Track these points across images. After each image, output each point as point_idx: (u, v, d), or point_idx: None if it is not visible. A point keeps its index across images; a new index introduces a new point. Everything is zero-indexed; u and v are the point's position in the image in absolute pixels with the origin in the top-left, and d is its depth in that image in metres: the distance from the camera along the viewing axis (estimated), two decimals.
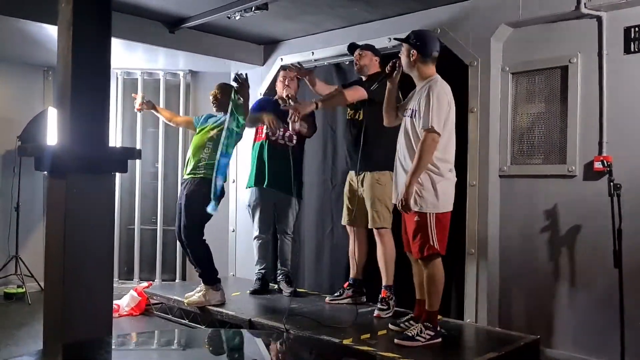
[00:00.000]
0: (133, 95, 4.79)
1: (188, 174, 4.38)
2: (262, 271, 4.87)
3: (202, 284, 4.40)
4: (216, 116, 4.52)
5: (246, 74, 4.19)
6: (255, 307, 4.38)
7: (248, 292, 4.77)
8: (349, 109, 4.29)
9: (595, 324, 3.56)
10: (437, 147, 3.33)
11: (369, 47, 4.26)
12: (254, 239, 4.88)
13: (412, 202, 3.35)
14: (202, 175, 4.28)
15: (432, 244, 3.36)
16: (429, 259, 3.41)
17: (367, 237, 4.33)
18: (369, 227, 4.16)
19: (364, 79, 4.25)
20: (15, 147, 5.20)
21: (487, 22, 3.98)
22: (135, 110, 4.76)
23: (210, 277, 4.39)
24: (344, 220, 4.40)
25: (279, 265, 4.89)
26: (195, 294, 4.40)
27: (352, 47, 4.29)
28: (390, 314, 4.00)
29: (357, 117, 4.21)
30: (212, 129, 4.40)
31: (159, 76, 5.86)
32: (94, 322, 2.30)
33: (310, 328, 3.73)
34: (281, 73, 4.84)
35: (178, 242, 4.76)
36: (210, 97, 4.52)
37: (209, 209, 4.15)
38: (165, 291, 4.97)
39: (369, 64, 4.21)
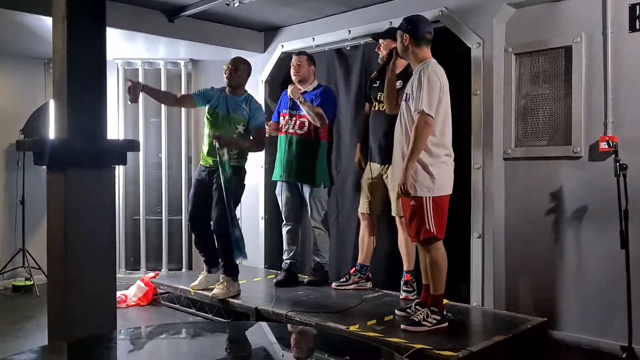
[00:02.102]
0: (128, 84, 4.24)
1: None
2: (288, 261, 4.80)
3: (222, 275, 4.36)
4: (234, 97, 4.33)
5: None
6: (261, 296, 4.38)
7: (274, 282, 4.66)
8: (374, 101, 4.26)
9: (602, 306, 3.55)
10: (432, 130, 3.30)
11: (391, 34, 3.95)
12: (282, 226, 4.90)
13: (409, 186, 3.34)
14: (235, 164, 4.24)
15: (428, 227, 3.35)
16: (427, 243, 3.41)
17: (385, 225, 4.36)
18: (393, 214, 4.15)
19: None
20: (19, 139, 5.20)
21: (490, 3, 3.92)
22: (130, 102, 4.32)
23: (234, 267, 4.38)
24: (363, 209, 4.38)
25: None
26: (216, 287, 4.35)
27: (376, 36, 4.17)
28: (416, 297, 3.98)
29: (383, 108, 4.14)
30: (239, 123, 4.28)
31: (160, 66, 5.83)
32: (98, 316, 2.31)
33: (317, 315, 3.74)
34: (294, 58, 4.72)
35: (190, 231, 4.65)
36: (228, 72, 4.31)
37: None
38: (172, 281, 4.99)
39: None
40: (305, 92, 4.60)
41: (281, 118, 4.73)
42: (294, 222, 4.81)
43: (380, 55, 4.16)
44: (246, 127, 4.30)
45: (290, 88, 4.51)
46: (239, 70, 4.33)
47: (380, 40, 4.18)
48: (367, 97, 4.46)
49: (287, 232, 4.82)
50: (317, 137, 4.60)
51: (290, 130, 4.63)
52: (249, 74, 4.42)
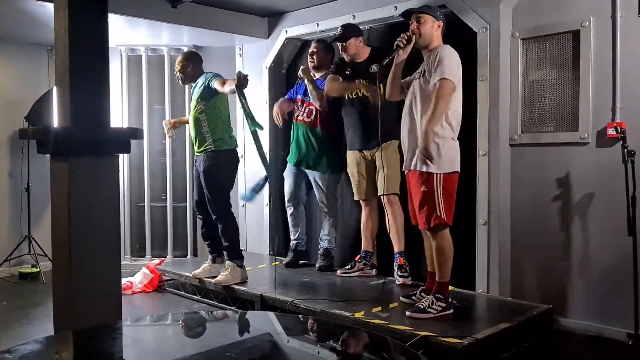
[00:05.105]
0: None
1: (199, 151, 4.37)
2: (294, 242, 4.97)
3: (227, 261, 4.38)
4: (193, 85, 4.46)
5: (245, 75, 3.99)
6: (267, 283, 4.38)
7: (284, 263, 4.89)
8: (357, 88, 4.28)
9: (608, 293, 3.53)
10: (452, 94, 3.32)
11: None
12: (286, 209, 5.02)
13: (419, 161, 3.35)
14: (213, 148, 4.31)
15: (439, 214, 3.34)
16: (436, 229, 3.39)
17: (379, 208, 4.36)
18: (379, 194, 4.17)
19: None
20: (23, 127, 5.20)
21: None
22: (168, 138, 4.85)
23: (237, 252, 4.41)
24: (357, 196, 4.42)
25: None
26: (221, 273, 4.36)
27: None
28: (411, 281, 4.04)
29: (362, 94, 4.22)
30: (197, 101, 4.35)
31: (163, 52, 5.80)
32: (103, 303, 2.31)
33: (321, 302, 3.74)
34: (312, 44, 4.73)
35: (197, 217, 4.74)
36: (177, 70, 4.46)
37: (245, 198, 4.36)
38: (177, 267, 5.00)
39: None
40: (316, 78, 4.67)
41: (295, 104, 4.80)
42: (293, 205, 4.92)
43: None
44: (206, 101, 4.29)
45: (302, 67, 4.52)
46: (190, 63, 4.44)
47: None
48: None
49: (290, 214, 4.97)
50: (324, 126, 4.62)
51: (300, 118, 4.70)
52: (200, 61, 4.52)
